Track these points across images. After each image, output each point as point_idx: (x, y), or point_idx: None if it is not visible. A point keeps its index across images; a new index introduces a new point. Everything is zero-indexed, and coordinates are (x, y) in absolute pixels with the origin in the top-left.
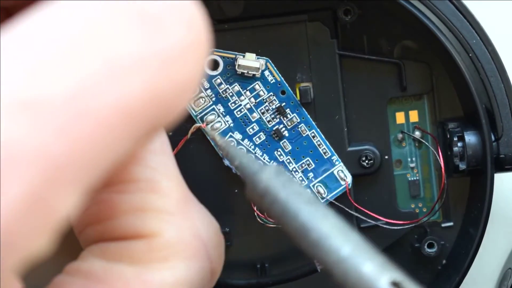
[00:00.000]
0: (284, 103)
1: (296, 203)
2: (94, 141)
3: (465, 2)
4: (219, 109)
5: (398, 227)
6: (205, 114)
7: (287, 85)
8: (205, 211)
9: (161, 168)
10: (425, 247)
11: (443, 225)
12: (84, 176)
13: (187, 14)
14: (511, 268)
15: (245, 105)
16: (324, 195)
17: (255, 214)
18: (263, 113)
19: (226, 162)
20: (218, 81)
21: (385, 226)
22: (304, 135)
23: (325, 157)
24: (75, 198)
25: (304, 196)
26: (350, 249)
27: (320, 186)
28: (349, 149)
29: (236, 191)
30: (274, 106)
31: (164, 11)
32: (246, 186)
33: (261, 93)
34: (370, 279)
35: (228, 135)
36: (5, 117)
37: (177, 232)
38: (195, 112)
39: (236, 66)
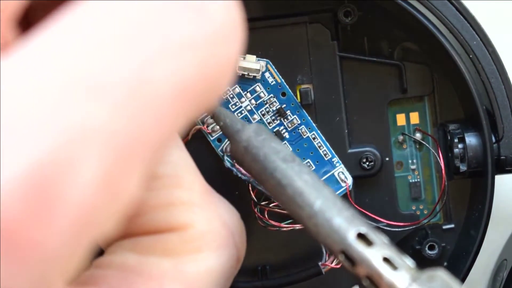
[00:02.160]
0: (284, 105)
1: (273, 161)
2: (155, 119)
3: (465, 3)
4: None
5: (399, 229)
6: (206, 115)
7: (287, 87)
8: (225, 201)
9: (181, 163)
10: (426, 249)
11: (444, 227)
12: (146, 156)
13: (225, 1)
14: (506, 259)
15: (245, 107)
16: None
17: (256, 216)
18: (263, 115)
19: (227, 164)
20: None
21: (386, 228)
22: (304, 137)
23: (326, 159)
24: (138, 180)
25: (281, 154)
26: (321, 204)
27: None
28: (350, 151)
29: (236, 193)
30: (274, 108)
31: None
32: (230, 146)
33: (262, 94)
34: (340, 232)
35: None
36: (74, 100)
37: (207, 223)
38: None
39: (237, 68)
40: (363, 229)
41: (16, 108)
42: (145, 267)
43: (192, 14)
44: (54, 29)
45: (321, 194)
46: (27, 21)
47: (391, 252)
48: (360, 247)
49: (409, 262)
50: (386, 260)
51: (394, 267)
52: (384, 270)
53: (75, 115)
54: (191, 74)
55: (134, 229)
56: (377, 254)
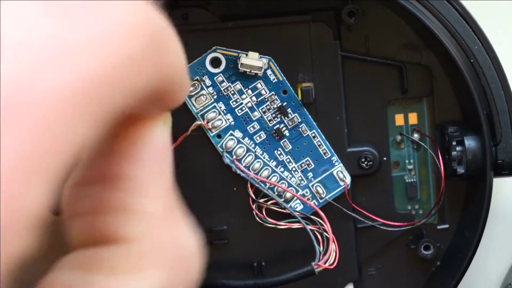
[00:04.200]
0: (285, 103)
1: None
2: (50, 128)
3: (465, 4)
4: (220, 107)
5: (395, 228)
6: (206, 111)
7: (289, 84)
8: (189, 222)
9: (155, 169)
10: (422, 249)
11: (438, 227)
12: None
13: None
14: (511, 284)
15: (246, 104)
16: (323, 195)
17: (254, 213)
18: (264, 112)
19: (227, 160)
20: (220, 79)
21: (381, 227)
22: (304, 135)
23: (325, 157)
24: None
25: None
26: None
27: (319, 186)
28: (349, 150)
29: (235, 189)
30: (275, 106)
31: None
32: None
33: (263, 92)
34: None
35: (229, 133)
36: None
37: (159, 240)
38: (196, 109)
39: (239, 65)
40: None
41: None
42: (89, 287)
43: (85, 14)
44: None
45: None
46: None
47: None
48: None
49: None
50: None
51: None
52: None
53: None
54: (86, 75)
55: (92, 229)
56: None
